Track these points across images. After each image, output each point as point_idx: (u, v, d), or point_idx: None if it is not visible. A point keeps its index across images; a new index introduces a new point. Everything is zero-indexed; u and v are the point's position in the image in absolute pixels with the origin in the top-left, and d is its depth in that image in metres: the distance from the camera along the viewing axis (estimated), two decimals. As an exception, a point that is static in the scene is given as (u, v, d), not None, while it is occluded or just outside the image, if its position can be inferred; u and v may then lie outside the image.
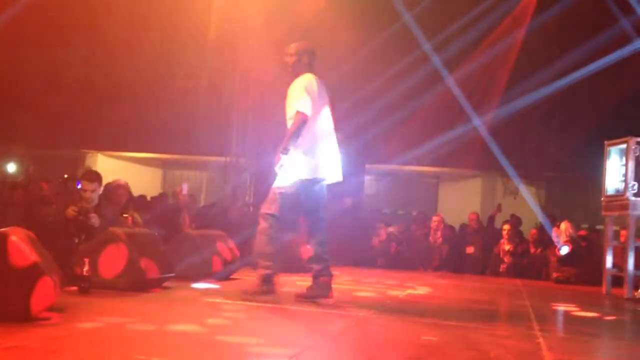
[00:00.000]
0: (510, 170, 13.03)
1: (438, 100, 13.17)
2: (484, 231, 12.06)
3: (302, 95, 5.53)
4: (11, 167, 15.49)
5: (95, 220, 6.46)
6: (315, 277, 5.79)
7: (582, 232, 11.20)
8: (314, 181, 5.65)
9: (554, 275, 10.45)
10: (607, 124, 11.84)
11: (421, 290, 7.69)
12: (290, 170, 5.54)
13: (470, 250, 11.58)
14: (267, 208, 5.65)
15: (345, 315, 5.24)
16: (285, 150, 5.48)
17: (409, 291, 7.48)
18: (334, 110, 5.95)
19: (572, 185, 14.27)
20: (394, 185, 16.32)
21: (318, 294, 5.74)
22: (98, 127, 14.97)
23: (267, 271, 5.63)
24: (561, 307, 7.24)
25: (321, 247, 5.78)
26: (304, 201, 5.69)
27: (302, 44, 5.88)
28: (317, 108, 5.64)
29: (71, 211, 6.46)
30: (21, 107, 15.88)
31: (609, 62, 11.26)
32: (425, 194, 16.52)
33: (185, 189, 9.96)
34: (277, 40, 12.82)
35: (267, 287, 5.65)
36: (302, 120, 5.47)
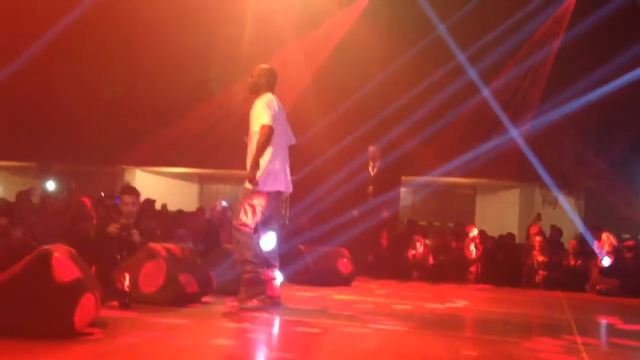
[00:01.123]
0: (548, 180, 12.86)
1: (474, 111, 13.08)
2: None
3: (265, 111, 5.90)
4: (52, 184, 15.76)
5: (136, 236, 6.57)
6: (266, 282, 6.03)
7: (630, 242, 10.95)
8: (276, 193, 6.04)
9: (597, 287, 10.25)
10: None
11: (460, 304, 7.61)
12: (257, 183, 5.84)
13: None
14: (237, 219, 5.96)
15: (383, 330, 5.21)
16: (256, 164, 5.80)
17: (448, 304, 7.42)
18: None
19: (613, 195, 14.00)
20: (431, 197, 16.23)
21: (254, 292, 5.90)
22: (136, 142, 15.20)
23: (250, 275, 5.88)
24: (604, 320, 7.10)
25: (271, 253, 6.12)
26: (269, 212, 6.03)
27: (262, 68, 6.31)
28: (277, 124, 5.97)
29: (114, 228, 6.56)
30: (61, 123, 16.21)
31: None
32: (462, 206, 16.38)
33: (220, 205, 9.76)
34: (310, 54, 12.94)
35: (257, 288, 5.87)
36: (269, 133, 5.81)
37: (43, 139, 15.86)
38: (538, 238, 11.26)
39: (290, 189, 6.22)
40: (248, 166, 5.86)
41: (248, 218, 5.93)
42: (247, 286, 5.90)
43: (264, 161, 5.88)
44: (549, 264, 10.99)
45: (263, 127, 5.82)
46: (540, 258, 11.08)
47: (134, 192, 6.94)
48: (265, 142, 5.80)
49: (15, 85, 13.70)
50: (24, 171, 17.50)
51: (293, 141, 6.29)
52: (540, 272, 11.00)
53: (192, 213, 12.55)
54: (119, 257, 6.43)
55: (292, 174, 6.27)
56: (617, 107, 12.92)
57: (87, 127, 15.96)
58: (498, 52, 12.46)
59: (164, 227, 10.04)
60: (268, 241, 6.13)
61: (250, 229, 5.96)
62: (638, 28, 11.41)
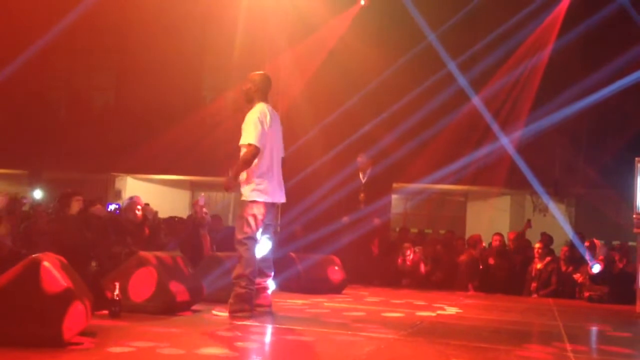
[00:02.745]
0: (539, 187, 12.90)
1: (465, 119, 13.13)
2: (512, 250, 11.87)
3: (255, 127, 5.89)
4: (40, 193, 15.68)
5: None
6: (258, 291, 6.06)
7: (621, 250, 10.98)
8: (271, 204, 6.07)
9: (586, 294, 10.28)
10: (638, 140, 11.70)
11: (451, 311, 7.62)
12: (253, 194, 5.90)
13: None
14: (241, 233, 5.94)
15: (374, 338, 5.21)
16: (235, 178, 5.88)
17: (439, 312, 7.42)
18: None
19: (603, 202, 14.06)
20: (422, 204, 16.25)
21: (241, 308, 5.87)
22: (127, 150, 15.16)
23: (243, 290, 5.86)
24: (594, 327, 7.12)
25: (265, 262, 6.14)
26: (267, 221, 6.08)
27: (256, 75, 6.27)
28: (272, 135, 6.02)
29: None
30: (52, 131, 16.16)
31: (638, 79, 11.16)
32: (453, 213, 16.41)
33: (202, 200, 9.34)
34: (302, 62, 12.95)
35: (244, 305, 5.85)
36: (253, 153, 5.85)
37: (34, 147, 15.80)
38: (537, 245, 11.26)
39: (284, 199, 6.26)
40: (230, 174, 5.92)
41: (252, 228, 5.92)
42: (236, 300, 5.86)
43: (261, 173, 5.93)
44: (544, 270, 10.97)
45: (249, 145, 5.85)
46: (539, 265, 11.08)
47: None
48: (249, 161, 5.86)
49: (5, 93, 13.67)
50: (14, 179, 17.42)
51: (282, 154, 6.29)
52: (535, 283, 10.98)
53: (181, 221, 12.46)
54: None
55: (285, 180, 6.30)
56: (607, 114, 13.00)
57: (78, 135, 15.92)
58: (488, 60, 12.51)
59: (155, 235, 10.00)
60: (263, 248, 6.13)
61: (255, 240, 5.97)
62: (627, 36, 11.49)
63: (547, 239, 11.94)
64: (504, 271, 11.32)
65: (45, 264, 4.15)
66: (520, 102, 13.53)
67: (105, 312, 5.42)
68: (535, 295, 10.77)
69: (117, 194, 16.31)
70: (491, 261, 11.39)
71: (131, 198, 8.18)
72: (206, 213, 9.37)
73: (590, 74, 11.84)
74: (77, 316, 4.19)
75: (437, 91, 12.45)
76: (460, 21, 12.57)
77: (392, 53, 12.49)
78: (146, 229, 8.09)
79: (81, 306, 4.27)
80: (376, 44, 12.19)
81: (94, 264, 6.38)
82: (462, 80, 12.17)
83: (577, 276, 10.62)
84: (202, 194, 9.72)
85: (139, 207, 7.95)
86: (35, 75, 15.27)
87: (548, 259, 11.07)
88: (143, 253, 6.10)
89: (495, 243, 11.67)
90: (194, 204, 9.31)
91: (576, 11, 12.49)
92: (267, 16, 12.95)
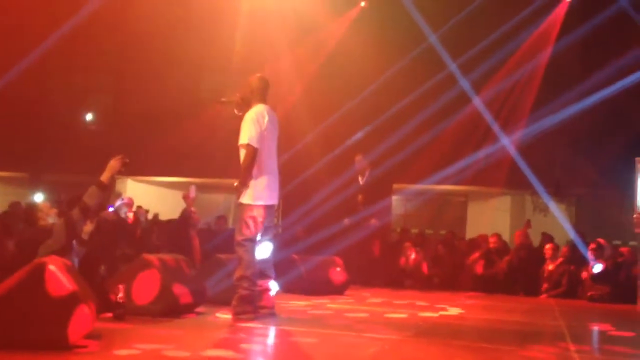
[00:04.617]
0: (539, 187, 12.91)
1: (466, 120, 13.13)
2: (515, 250, 11.88)
3: (253, 127, 5.95)
4: (41, 196, 15.66)
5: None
6: (261, 293, 6.07)
7: (624, 249, 10.98)
8: (269, 205, 6.10)
9: (588, 293, 10.29)
10: (637, 139, 11.71)
11: (453, 312, 7.63)
12: (252, 196, 5.94)
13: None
14: (240, 235, 5.96)
15: (378, 339, 5.22)
16: (243, 185, 5.92)
17: (441, 312, 7.43)
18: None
19: (604, 202, 14.07)
20: (422, 204, 16.26)
21: (244, 310, 5.88)
22: (127, 152, 15.14)
23: (246, 292, 5.87)
24: (597, 327, 7.13)
25: (266, 264, 6.16)
26: (267, 223, 6.09)
27: (254, 78, 6.30)
28: (268, 136, 6.07)
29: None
30: (52, 133, 16.17)
31: (638, 79, 11.19)
32: (454, 213, 16.43)
33: (193, 191, 8.98)
34: (302, 65, 12.96)
35: (247, 307, 5.86)
36: (253, 153, 5.90)
37: (34, 149, 15.81)
38: (548, 246, 11.24)
39: (277, 200, 6.28)
40: (238, 182, 5.94)
41: (251, 230, 5.95)
42: (239, 302, 5.87)
43: (258, 175, 5.96)
44: (555, 272, 10.94)
45: (248, 146, 5.89)
46: (550, 267, 11.06)
47: None
48: (250, 164, 5.90)
49: (6, 96, 13.68)
50: (15, 181, 17.43)
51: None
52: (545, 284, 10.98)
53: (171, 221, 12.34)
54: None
55: (285, 183, 6.33)
56: (607, 115, 13.01)
57: (78, 137, 15.93)
58: (489, 62, 12.52)
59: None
60: (264, 250, 6.14)
61: (255, 242, 5.99)
62: (627, 36, 11.52)
63: (548, 239, 11.96)
64: (505, 271, 11.32)
65: (51, 267, 4.16)
66: (520, 102, 13.55)
67: (110, 314, 5.43)
68: (544, 296, 10.75)
69: (118, 196, 16.31)
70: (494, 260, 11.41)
71: (122, 200, 8.11)
72: (194, 212, 9.05)
73: (590, 74, 11.85)
74: (82, 319, 4.19)
75: (438, 93, 12.47)
76: (461, 23, 12.58)
77: (392, 55, 12.50)
78: (137, 231, 8.02)
79: (86, 309, 4.28)
80: (376, 46, 12.19)
81: (103, 268, 6.36)
82: (462, 82, 12.18)
83: (584, 274, 10.59)
84: (193, 185, 9.35)
85: (130, 209, 7.85)
86: (34, 79, 15.27)
87: (560, 260, 11.05)
88: (146, 255, 6.11)
89: (494, 245, 11.69)
90: (184, 197, 9.00)
91: (576, 12, 12.51)
92: (267, 19, 12.98)
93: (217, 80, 14.90)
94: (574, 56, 12.87)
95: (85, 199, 5.33)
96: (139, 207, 11.75)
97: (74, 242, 5.49)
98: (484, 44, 12.37)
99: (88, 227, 5.65)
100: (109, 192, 6.90)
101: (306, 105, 12.55)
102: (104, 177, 5.47)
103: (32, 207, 8.10)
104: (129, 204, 8.98)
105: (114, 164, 5.54)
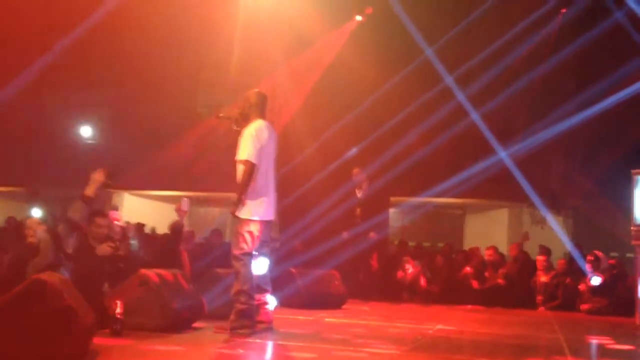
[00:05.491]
0: (536, 200, 12.93)
1: (463, 133, 13.16)
2: (512, 262, 11.89)
3: (252, 143, 5.93)
4: (38, 211, 15.64)
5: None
6: (258, 307, 6.06)
7: (611, 261, 11.00)
8: (266, 221, 6.07)
9: (586, 306, 10.28)
10: (635, 152, 11.76)
11: (451, 325, 7.61)
12: (249, 211, 5.91)
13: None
14: (237, 249, 5.93)
15: (376, 354, 5.21)
16: (240, 201, 5.87)
17: (440, 326, 7.42)
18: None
19: (601, 214, 14.10)
20: (420, 217, 16.28)
21: (242, 325, 5.86)
22: (124, 166, 15.16)
23: (244, 306, 5.85)
24: (595, 340, 7.12)
25: (263, 278, 6.15)
26: (263, 237, 6.07)
27: (252, 93, 6.31)
28: (267, 152, 6.06)
29: (107, 247, 6.50)
30: (48, 148, 16.16)
31: (634, 92, 11.24)
32: (452, 226, 16.45)
33: (185, 204, 8.82)
34: (299, 78, 13.00)
35: (245, 321, 5.84)
36: (251, 170, 5.87)
37: (32, 164, 15.79)
38: (540, 258, 11.26)
39: (273, 217, 6.25)
40: (236, 196, 5.91)
41: (248, 244, 5.93)
42: (238, 317, 5.86)
43: (256, 191, 5.94)
44: (550, 284, 10.95)
45: (246, 162, 5.89)
46: (543, 278, 11.07)
47: (106, 215, 6.96)
48: (248, 180, 5.88)
49: (2, 111, 13.68)
50: (12, 196, 17.40)
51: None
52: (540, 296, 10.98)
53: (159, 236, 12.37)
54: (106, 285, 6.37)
55: (282, 197, 6.31)
56: (603, 127, 13.05)
57: (75, 151, 15.92)
58: (486, 76, 12.57)
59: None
60: (260, 266, 6.13)
61: (251, 255, 5.97)
62: (622, 49, 11.58)
63: (545, 251, 11.97)
64: (502, 284, 11.31)
65: (49, 282, 4.15)
66: (518, 115, 13.59)
67: (107, 330, 5.40)
68: (542, 308, 10.75)
69: (114, 209, 16.29)
70: (488, 275, 11.41)
71: (107, 214, 8.04)
72: (184, 212, 8.89)
73: (586, 87, 11.91)
74: (80, 335, 4.18)
75: (435, 106, 12.50)
76: (457, 36, 12.63)
77: (389, 68, 12.54)
78: (124, 246, 7.98)
79: (84, 325, 4.27)
80: (373, 60, 12.24)
81: (106, 285, 6.34)
82: (459, 95, 12.22)
83: (582, 286, 10.59)
84: (185, 198, 9.30)
85: (115, 223, 7.83)
86: (32, 93, 15.28)
87: (553, 272, 11.07)
88: (144, 271, 6.08)
89: (489, 257, 11.70)
90: (176, 209, 8.93)
91: (571, 26, 12.57)
92: (264, 32, 13.00)
93: (213, 95, 14.92)
94: (570, 69, 12.92)
95: (70, 214, 5.32)
96: (128, 222, 11.74)
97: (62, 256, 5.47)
98: (481, 57, 12.42)
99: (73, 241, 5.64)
100: (97, 204, 6.87)
101: (303, 119, 12.56)
102: (88, 190, 5.46)
103: (21, 224, 8.07)
104: (113, 218, 8.93)
105: (96, 176, 5.53)
